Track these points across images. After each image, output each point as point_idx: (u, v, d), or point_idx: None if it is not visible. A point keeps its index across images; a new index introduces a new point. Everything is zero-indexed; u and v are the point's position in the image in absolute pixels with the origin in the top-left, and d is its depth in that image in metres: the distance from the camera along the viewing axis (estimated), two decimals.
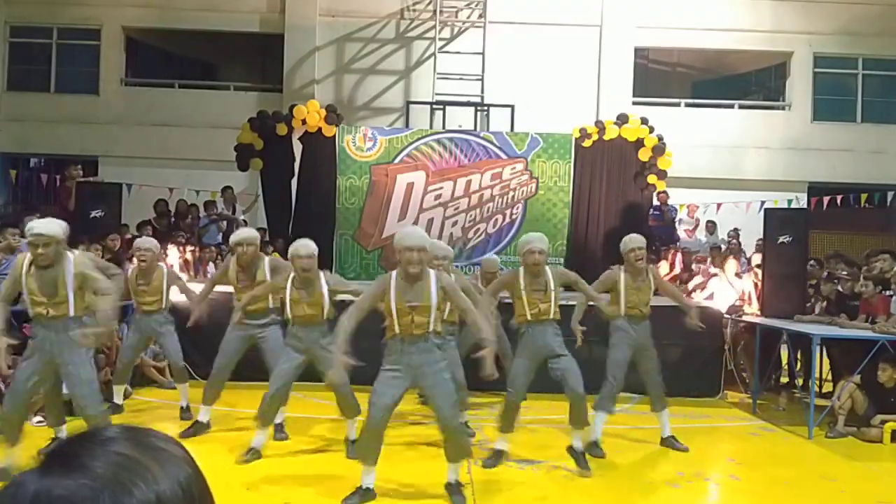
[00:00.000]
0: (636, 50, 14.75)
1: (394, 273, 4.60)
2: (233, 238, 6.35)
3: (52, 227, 4.78)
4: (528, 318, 5.43)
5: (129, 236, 9.82)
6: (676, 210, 12.41)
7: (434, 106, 13.19)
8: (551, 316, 5.45)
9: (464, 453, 4.79)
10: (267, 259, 6.41)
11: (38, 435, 5.59)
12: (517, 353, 5.62)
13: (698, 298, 9.65)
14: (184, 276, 7.95)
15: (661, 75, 16.25)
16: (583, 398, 5.40)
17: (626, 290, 6.03)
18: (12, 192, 15.20)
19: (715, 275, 9.73)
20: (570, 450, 5.57)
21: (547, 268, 5.53)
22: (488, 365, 4.53)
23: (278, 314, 6.07)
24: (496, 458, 5.61)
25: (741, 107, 15.37)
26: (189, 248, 10.22)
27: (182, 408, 6.83)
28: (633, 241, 6.10)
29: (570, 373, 5.37)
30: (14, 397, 4.89)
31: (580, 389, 5.38)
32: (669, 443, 6.31)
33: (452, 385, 4.70)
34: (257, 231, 7.26)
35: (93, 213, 9.35)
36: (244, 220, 12.45)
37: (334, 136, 12.21)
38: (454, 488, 4.76)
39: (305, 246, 5.53)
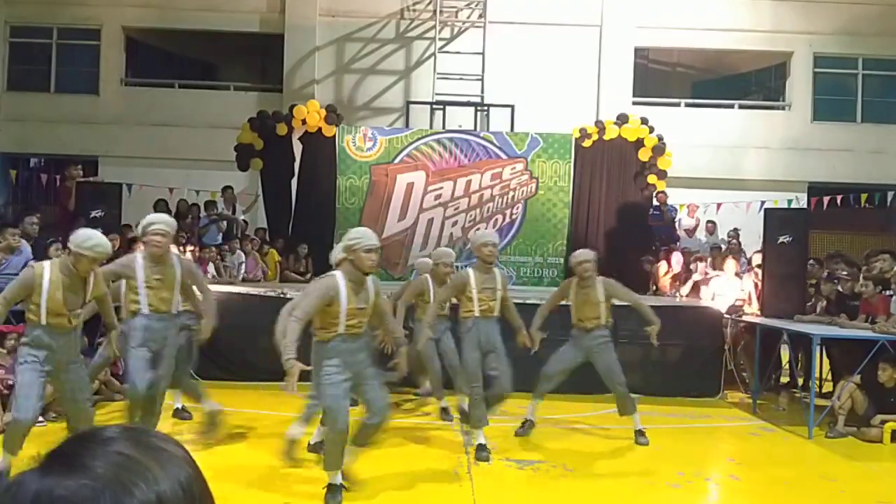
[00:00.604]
0: (636, 50, 14.74)
1: (339, 275, 4.57)
2: (142, 226, 5.24)
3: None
4: (476, 314, 5.73)
5: (129, 236, 9.81)
6: (676, 210, 12.40)
7: (434, 106, 13.19)
8: (496, 313, 5.79)
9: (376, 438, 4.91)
10: (178, 256, 5.71)
11: (38, 435, 5.58)
12: (465, 349, 5.84)
13: (698, 298, 9.67)
14: None
15: (661, 75, 16.25)
16: (503, 399, 5.83)
17: (574, 300, 6.34)
18: (12, 192, 15.19)
19: (717, 275, 9.72)
20: (477, 447, 5.72)
21: (496, 270, 5.87)
22: (403, 363, 4.91)
23: (188, 318, 5.72)
24: (481, 451, 5.68)
25: (741, 107, 15.36)
26: (189, 248, 10.21)
27: (176, 409, 6.77)
28: (581, 255, 6.42)
29: (504, 375, 5.74)
30: (26, 412, 4.85)
31: (509, 389, 5.78)
32: (635, 436, 6.38)
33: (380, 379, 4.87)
34: (259, 229, 7.14)
35: (93, 213, 9.34)
36: (244, 221, 12.46)
37: (334, 136, 12.21)
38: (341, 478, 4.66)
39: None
